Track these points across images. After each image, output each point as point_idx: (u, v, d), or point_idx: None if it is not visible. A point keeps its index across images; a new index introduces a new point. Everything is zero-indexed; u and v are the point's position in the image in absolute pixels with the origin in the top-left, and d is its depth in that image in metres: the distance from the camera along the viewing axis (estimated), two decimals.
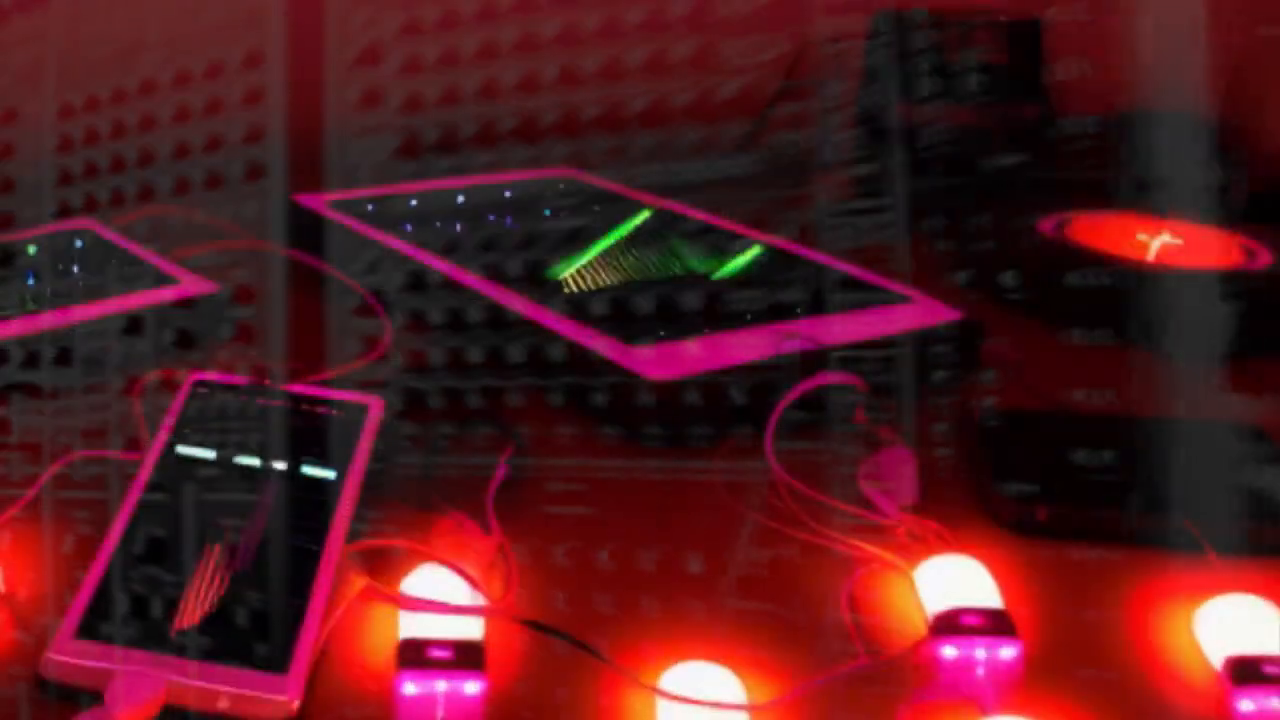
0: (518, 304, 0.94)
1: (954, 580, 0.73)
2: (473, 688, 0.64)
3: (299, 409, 0.81)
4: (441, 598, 0.69)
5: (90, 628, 0.66)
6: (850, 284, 1.02)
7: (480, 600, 0.69)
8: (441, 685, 0.64)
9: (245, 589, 0.69)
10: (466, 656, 0.65)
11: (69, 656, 0.65)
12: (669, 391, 0.85)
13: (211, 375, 0.83)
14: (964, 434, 0.89)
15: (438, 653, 0.65)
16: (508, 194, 1.21)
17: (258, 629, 0.67)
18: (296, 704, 0.64)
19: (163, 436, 0.78)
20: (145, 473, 0.76)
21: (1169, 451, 0.82)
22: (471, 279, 0.98)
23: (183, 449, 0.78)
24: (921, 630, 0.71)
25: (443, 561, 0.70)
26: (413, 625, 0.67)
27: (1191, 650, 0.71)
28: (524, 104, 1.33)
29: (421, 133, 1.25)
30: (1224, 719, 0.66)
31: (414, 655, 0.65)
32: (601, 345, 0.89)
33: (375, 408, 0.81)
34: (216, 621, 0.67)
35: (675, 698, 0.64)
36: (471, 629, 0.67)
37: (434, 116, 1.26)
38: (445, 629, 0.67)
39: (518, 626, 0.69)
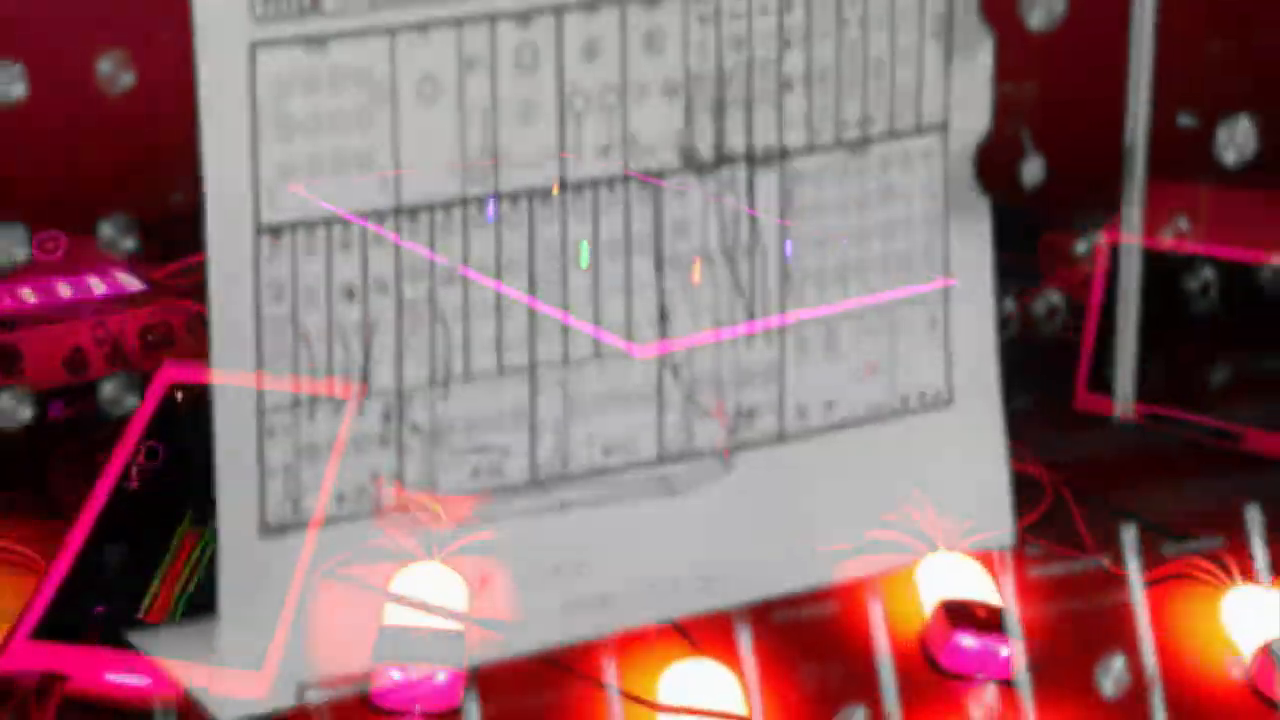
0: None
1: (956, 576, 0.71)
2: (451, 677, 0.63)
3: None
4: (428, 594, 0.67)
5: (48, 629, 0.65)
6: None
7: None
8: (421, 674, 0.63)
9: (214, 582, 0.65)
10: (448, 646, 0.64)
11: (22, 659, 0.63)
12: None
13: (186, 375, 0.80)
14: None
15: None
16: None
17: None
18: (268, 696, 0.62)
19: (134, 435, 0.76)
20: (114, 471, 0.74)
21: None
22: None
23: (154, 447, 0.75)
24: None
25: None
26: (396, 615, 0.66)
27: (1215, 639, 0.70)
28: None
29: None
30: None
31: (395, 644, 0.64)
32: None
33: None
34: (185, 616, 0.66)
35: (650, 704, 0.63)
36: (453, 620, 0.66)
37: None
38: (428, 619, 0.65)
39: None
